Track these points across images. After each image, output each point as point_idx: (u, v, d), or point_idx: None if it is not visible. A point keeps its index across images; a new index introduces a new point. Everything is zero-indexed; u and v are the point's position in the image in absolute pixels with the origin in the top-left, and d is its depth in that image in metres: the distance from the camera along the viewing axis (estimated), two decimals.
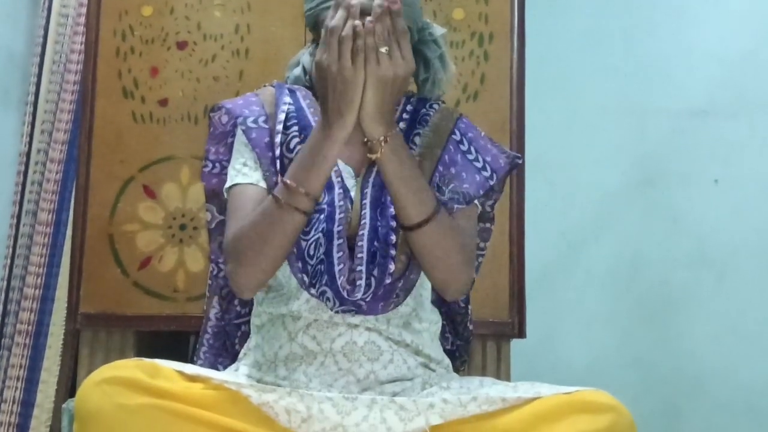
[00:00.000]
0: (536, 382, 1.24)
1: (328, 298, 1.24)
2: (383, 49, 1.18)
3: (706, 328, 2.59)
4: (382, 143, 1.23)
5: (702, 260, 2.62)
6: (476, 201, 1.37)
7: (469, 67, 2.02)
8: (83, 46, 2.17)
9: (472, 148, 1.39)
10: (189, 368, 1.21)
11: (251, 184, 1.32)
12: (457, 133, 1.39)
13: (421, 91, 1.44)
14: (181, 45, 2.06)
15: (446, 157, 1.35)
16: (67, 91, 2.30)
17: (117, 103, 2.05)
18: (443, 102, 1.45)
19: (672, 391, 2.57)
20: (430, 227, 1.25)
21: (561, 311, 2.60)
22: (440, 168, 1.34)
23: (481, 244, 1.46)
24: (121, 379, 1.13)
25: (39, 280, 2.22)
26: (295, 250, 1.26)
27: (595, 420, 1.14)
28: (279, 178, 1.29)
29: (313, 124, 1.34)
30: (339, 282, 1.22)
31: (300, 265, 1.26)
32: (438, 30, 1.43)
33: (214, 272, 1.45)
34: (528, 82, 2.03)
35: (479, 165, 1.37)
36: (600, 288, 2.63)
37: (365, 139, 1.24)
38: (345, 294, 1.23)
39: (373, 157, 1.24)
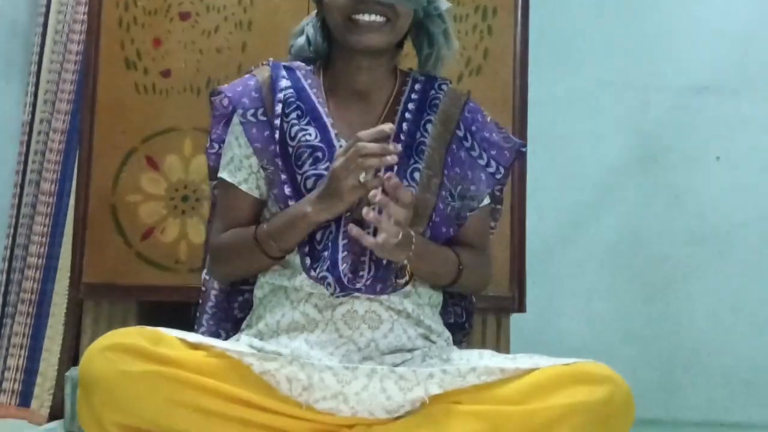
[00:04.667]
0: (535, 355, 1.25)
1: (329, 283, 1.26)
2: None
3: (705, 304, 2.60)
4: (407, 270, 1.29)
5: (702, 237, 2.63)
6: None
7: (473, 42, 2.01)
8: (86, 16, 2.16)
9: (476, 144, 1.41)
10: (191, 336, 1.23)
11: (234, 186, 1.37)
12: (462, 127, 1.40)
13: (424, 67, 1.45)
14: (184, 16, 2.06)
15: (449, 158, 1.37)
16: (69, 62, 2.29)
17: (120, 74, 2.04)
18: (450, 82, 1.45)
19: (670, 365, 2.59)
20: (457, 282, 1.37)
21: (561, 286, 2.61)
22: (446, 171, 1.36)
23: (492, 224, 1.50)
24: (124, 346, 1.15)
25: (42, 250, 2.23)
26: None
27: (592, 391, 1.16)
28: (281, 172, 1.32)
29: (318, 105, 1.35)
30: (341, 269, 1.25)
31: (306, 248, 1.29)
32: (444, 4, 1.43)
33: None
34: (530, 56, 2.02)
35: (483, 162, 1.41)
36: (600, 263, 2.64)
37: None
38: (346, 281, 1.25)
39: (403, 281, 1.29)
